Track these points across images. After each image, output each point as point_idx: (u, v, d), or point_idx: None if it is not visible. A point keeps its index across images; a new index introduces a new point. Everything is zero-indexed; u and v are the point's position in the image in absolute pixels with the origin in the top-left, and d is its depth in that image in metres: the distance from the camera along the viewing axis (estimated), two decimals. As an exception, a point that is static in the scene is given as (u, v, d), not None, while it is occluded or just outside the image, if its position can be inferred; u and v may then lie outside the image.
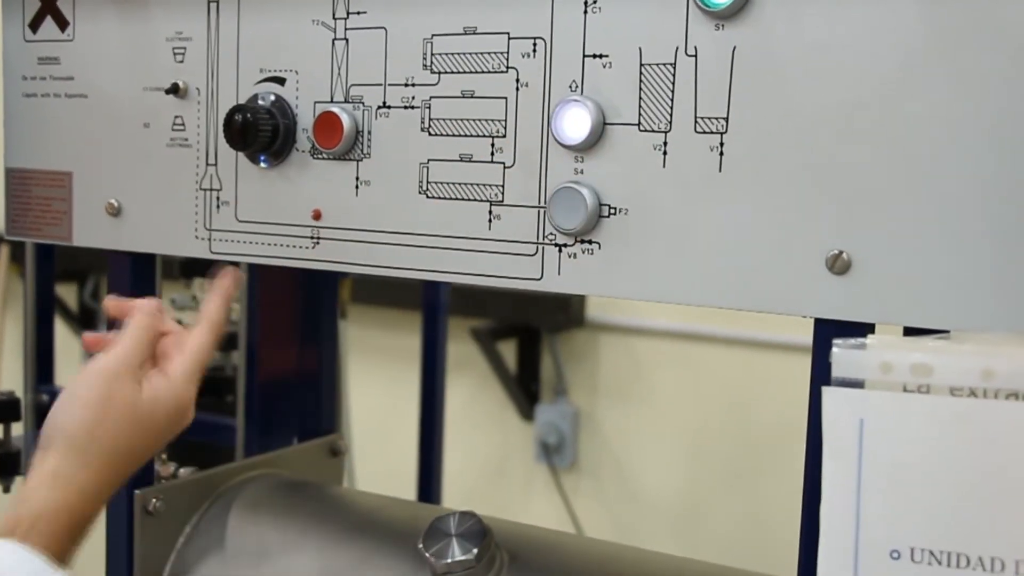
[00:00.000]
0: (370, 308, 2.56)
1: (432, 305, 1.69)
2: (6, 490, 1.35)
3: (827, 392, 0.61)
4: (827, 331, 0.67)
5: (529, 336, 2.60)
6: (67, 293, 3.31)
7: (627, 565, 0.92)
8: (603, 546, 0.95)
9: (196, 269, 1.66)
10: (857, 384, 0.61)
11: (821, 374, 0.65)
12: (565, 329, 2.57)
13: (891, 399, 0.60)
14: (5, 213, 1.04)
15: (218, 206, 0.91)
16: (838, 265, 0.67)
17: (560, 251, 0.77)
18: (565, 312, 2.50)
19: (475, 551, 0.88)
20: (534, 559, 0.92)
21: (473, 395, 2.69)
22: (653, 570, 0.91)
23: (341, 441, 1.21)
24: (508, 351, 2.62)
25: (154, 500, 1.00)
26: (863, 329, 0.66)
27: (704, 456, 2.49)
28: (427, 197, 0.81)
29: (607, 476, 2.60)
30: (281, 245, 0.88)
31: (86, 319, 3.34)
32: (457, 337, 2.31)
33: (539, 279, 0.77)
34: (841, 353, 0.61)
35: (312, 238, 0.87)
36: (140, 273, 0.99)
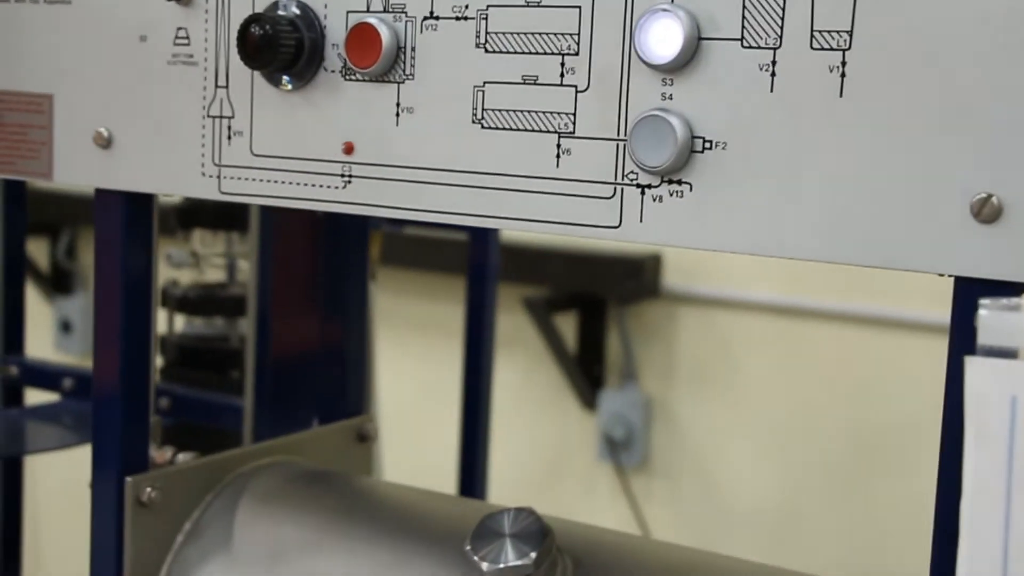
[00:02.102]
0: (404, 271, 2.57)
1: (479, 268, 1.69)
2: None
3: (972, 363, 0.61)
4: (971, 291, 0.67)
5: (592, 308, 2.60)
6: (37, 250, 3.33)
7: (705, 567, 0.92)
8: (684, 552, 0.96)
9: (194, 219, 1.67)
10: (1009, 353, 0.60)
11: (963, 343, 0.64)
12: (636, 300, 2.57)
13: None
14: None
15: (229, 137, 0.91)
16: (986, 211, 0.66)
17: (643, 193, 0.76)
18: (636, 279, 2.50)
19: (533, 555, 0.89)
20: (604, 566, 0.92)
21: (525, 377, 2.69)
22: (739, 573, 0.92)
23: (370, 424, 1.20)
24: (567, 326, 2.62)
25: (149, 490, 1.00)
26: (1015, 289, 0.65)
27: (804, 455, 2.48)
28: (482, 128, 0.81)
29: (684, 478, 2.61)
30: (305, 184, 0.88)
31: (59, 279, 3.37)
32: (507, 308, 2.32)
33: (617, 227, 0.77)
34: (990, 316, 0.61)
35: (343, 176, 0.87)
36: (134, 218, 1.00)
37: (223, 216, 1.59)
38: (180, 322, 1.68)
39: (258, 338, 1.42)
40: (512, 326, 2.52)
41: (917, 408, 2.32)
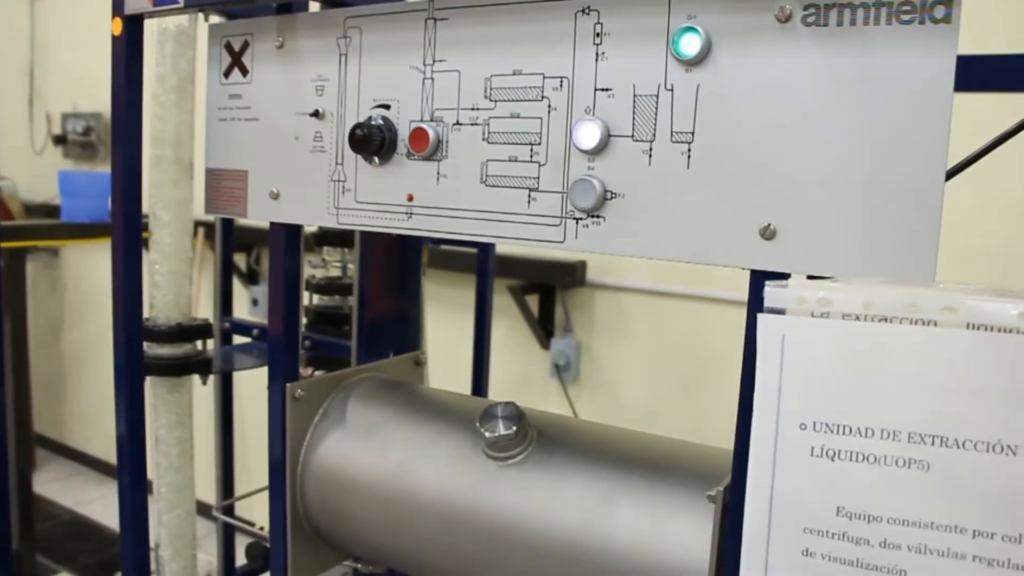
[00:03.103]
0: (440, 271, 2.57)
1: (483, 269, 1.69)
2: (204, 383, 1.36)
3: (761, 318, 0.61)
4: (759, 277, 0.67)
5: (547, 292, 2.60)
6: (239, 259, 3.34)
7: (617, 437, 0.92)
8: (602, 427, 0.95)
9: (324, 241, 1.66)
10: (780, 311, 0.60)
11: (755, 307, 0.64)
12: (572, 287, 2.57)
13: (803, 322, 0.59)
14: (205, 198, 1.04)
15: (343, 191, 0.91)
16: (767, 233, 0.66)
17: (577, 223, 0.76)
18: (572, 275, 2.50)
19: (514, 427, 0.88)
20: (555, 434, 0.91)
21: (508, 332, 2.69)
22: (634, 440, 0.91)
23: (422, 356, 1.20)
24: (533, 302, 2.62)
25: (299, 390, 1.00)
26: (783, 276, 0.65)
27: (664, 376, 2.48)
28: (486, 185, 0.81)
29: (599, 388, 2.61)
30: (385, 217, 0.88)
31: (251, 275, 3.37)
32: (499, 292, 2.32)
33: (562, 242, 0.77)
34: (770, 290, 0.61)
35: (407, 213, 0.86)
36: (291, 239, 0.99)
37: (340, 239, 1.58)
38: (315, 299, 1.67)
39: (359, 308, 1.41)
40: (501, 303, 2.53)
41: (726, 349, 2.33)
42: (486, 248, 1.68)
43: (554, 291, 2.58)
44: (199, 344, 1.34)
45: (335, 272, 1.63)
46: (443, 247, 1.80)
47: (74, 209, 3.42)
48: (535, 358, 2.67)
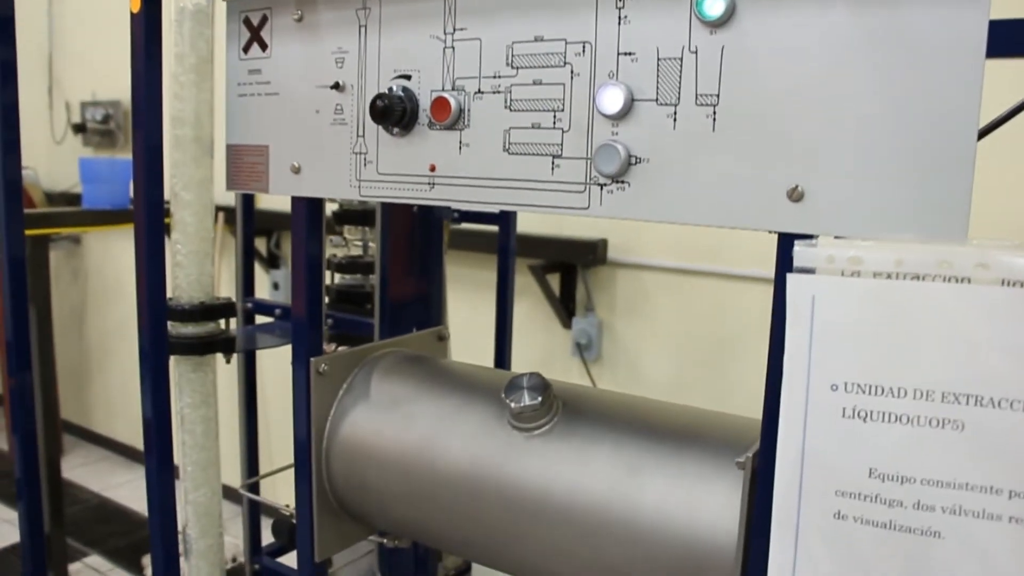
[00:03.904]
0: (460, 252, 2.56)
1: (504, 248, 1.69)
2: (227, 361, 1.36)
3: (790, 278, 0.60)
4: (787, 241, 0.66)
5: (568, 270, 2.59)
6: (260, 244, 3.35)
7: (643, 406, 0.92)
8: (628, 396, 0.95)
9: (344, 220, 1.66)
10: (811, 271, 0.59)
11: (784, 271, 0.63)
12: (593, 265, 2.56)
13: (834, 281, 0.58)
14: (226, 175, 1.04)
15: (365, 164, 0.90)
16: (795, 195, 0.65)
17: (602, 189, 0.75)
18: (593, 254, 2.49)
19: (540, 398, 0.88)
20: (581, 404, 0.91)
21: (529, 311, 2.68)
22: (661, 410, 0.90)
23: (445, 331, 1.19)
24: (554, 281, 2.61)
25: (323, 365, 1.00)
26: (811, 238, 0.64)
27: (686, 352, 2.47)
28: (509, 154, 0.80)
29: (621, 366, 2.60)
30: (407, 188, 0.87)
31: (272, 260, 3.38)
32: (520, 271, 2.30)
33: (586, 208, 0.76)
34: (799, 250, 0.60)
35: (429, 183, 0.86)
36: (312, 212, 0.99)
37: (360, 218, 1.58)
38: (337, 278, 1.66)
39: (381, 286, 1.41)
40: (522, 282, 2.51)
41: (747, 325, 2.32)
42: (507, 226, 1.68)
43: (575, 270, 2.57)
44: (222, 323, 1.34)
45: (356, 251, 1.63)
46: (463, 226, 1.79)
47: (95, 196, 3.44)
48: (556, 337, 2.67)
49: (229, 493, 1.74)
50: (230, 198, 1.64)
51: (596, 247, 2.48)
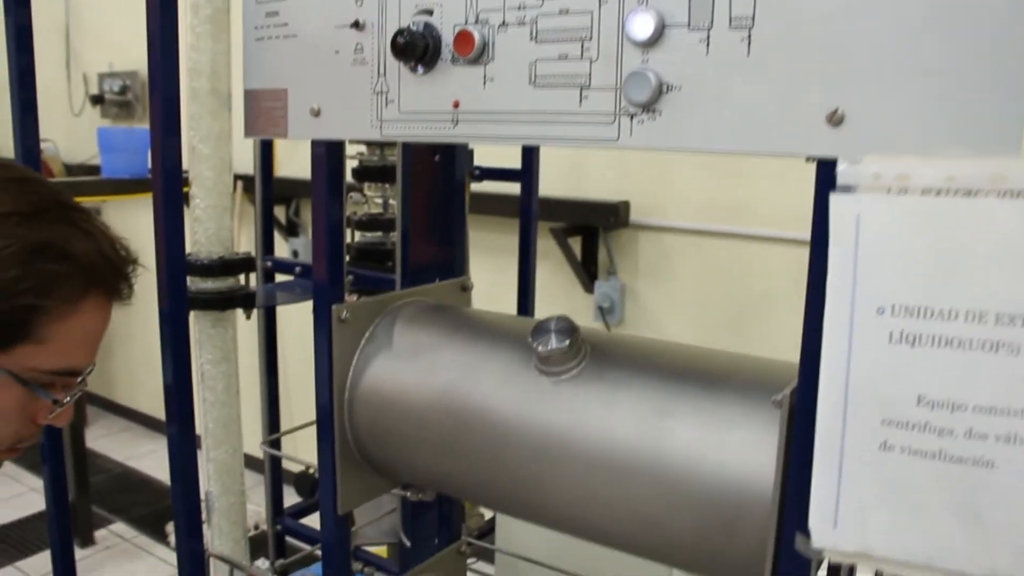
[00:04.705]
0: (481, 216, 2.53)
1: (527, 211, 1.67)
2: (247, 316, 1.35)
3: (833, 197, 0.57)
4: (826, 169, 0.63)
5: (590, 233, 2.56)
6: (279, 213, 3.35)
7: (673, 350, 0.89)
8: (657, 341, 0.92)
9: (364, 176, 1.64)
10: (855, 189, 0.57)
11: (823, 199, 0.60)
12: (615, 228, 2.53)
13: (880, 199, 0.56)
14: (245, 122, 1.02)
15: (386, 103, 0.88)
16: (835, 118, 0.62)
17: (632, 119, 0.72)
18: (615, 216, 2.46)
19: (568, 341, 0.86)
20: (609, 349, 0.89)
21: (551, 275, 2.66)
22: (691, 353, 0.88)
23: (469, 281, 1.17)
24: (575, 244, 2.59)
25: (344, 312, 0.98)
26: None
27: (709, 315, 2.45)
28: (535, 87, 0.77)
29: (644, 330, 2.58)
30: (430, 126, 0.85)
31: (291, 228, 3.37)
32: (542, 235, 2.28)
33: (616, 139, 0.73)
34: (844, 167, 0.57)
35: (453, 120, 0.83)
36: (332, 156, 0.97)
37: (381, 174, 1.56)
38: (358, 236, 1.65)
39: (402, 242, 1.39)
40: (543, 246, 2.49)
41: (771, 288, 2.28)
42: (529, 183, 1.66)
43: (596, 232, 2.54)
44: (242, 279, 1.33)
45: (376, 209, 1.61)
46: (483, 190, 1.76)
47: (114, 165, 3.44)
48: (579, 301, 2.64)
49: (251, 462, 1.73)
50: (249, 167, 1.62)
51: (618, 209, 2.45)
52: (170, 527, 3.29)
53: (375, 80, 0.88)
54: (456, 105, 0.83)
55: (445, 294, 1.14)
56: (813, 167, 0.64)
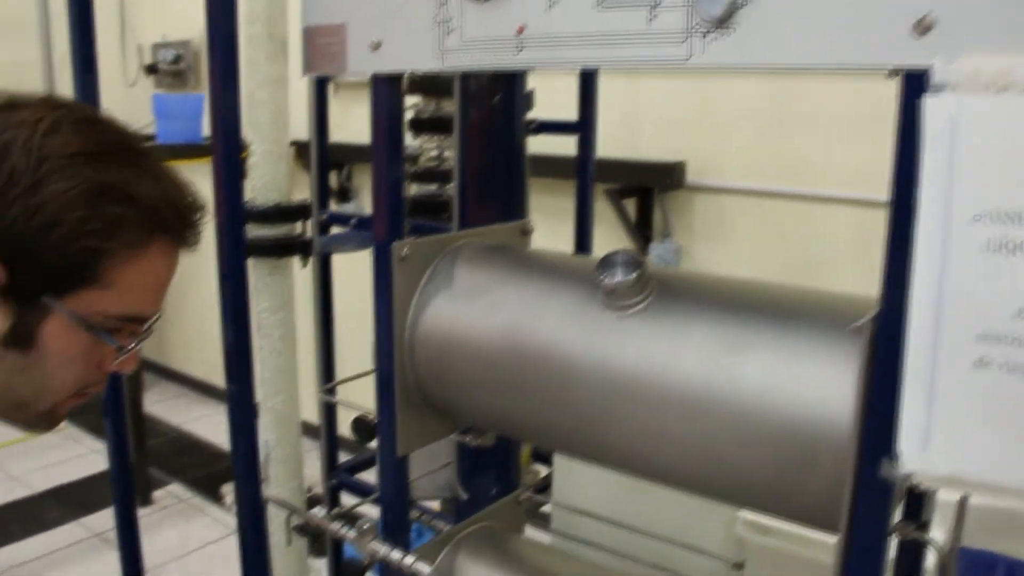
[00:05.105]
0: (535, 179, 2.51)
1: (583, 172, 1.65)
2: (304, 264, 1.34)
3: (929, 98, 0.54)
4: (912, 81, 0.59)
5: (645, 195, 2.52)
6: (333, 177, 3.36)
7: (743, 285, 0.87)
8: (726, 277, 0.89)
9: (420, 128, 1.62)
10: (951, 89, 0.53)
11: (909, 111, 0.57)
12: (671, 189, 2.49)
13: (979, 98, 0.52)
14: (303, 60, 1.00)
15: (448, 32, 0.86)
16: (923, 25, 0.59)
17: (704, 37, 0.70)
18: (671, 176, 2.42)
19: (634, 274, 0.83)
20: (677, 284, 0.86)
21: (605, 237, 2.62)
22: (762, 288, 0.85)
23: (530, 224, 1.15)
24: (631, 206, 2.55)
25: (405, 249, 0.97)
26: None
27: (769, 278, 2.40)
28: (601, 8, 0.75)
29: (699, 292, 2.54)
30: (494, 54, 0.83)
31: (343, 193, 3.38)
32: (596, 196, 2.26)
33: (687, 59, 0.71)
34: (941, 67, 0.54)
35: (516, 47, 0.81)
36: (392, 91, 0.95)
37: (438, 125, 1.54)
38: (414, 188, 1.64)
39: (460, 191, 1.37)
40: (598, 207, 2.45)
41: (831, 250, 2.23)
42: (586, 140, 1.63)
43: (652, 194, 2.50)
44: (298, 228, 1.32)
45: (432, 162, 1.59)
46: (537, 151, 1.73)
47: (169, 131, 3.47)
48: (632, 265, 2.61)
49: (308, 430, 1.73)
50: (301, 134, 1.60)
51: (674, 170, 2.41)
52: (225, 488, 3.34)
53: (436, 9, 0.86)
54: (520, 31, 0.80)
55: (505, 236, 1.12)
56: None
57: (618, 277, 0.83)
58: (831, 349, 0.73)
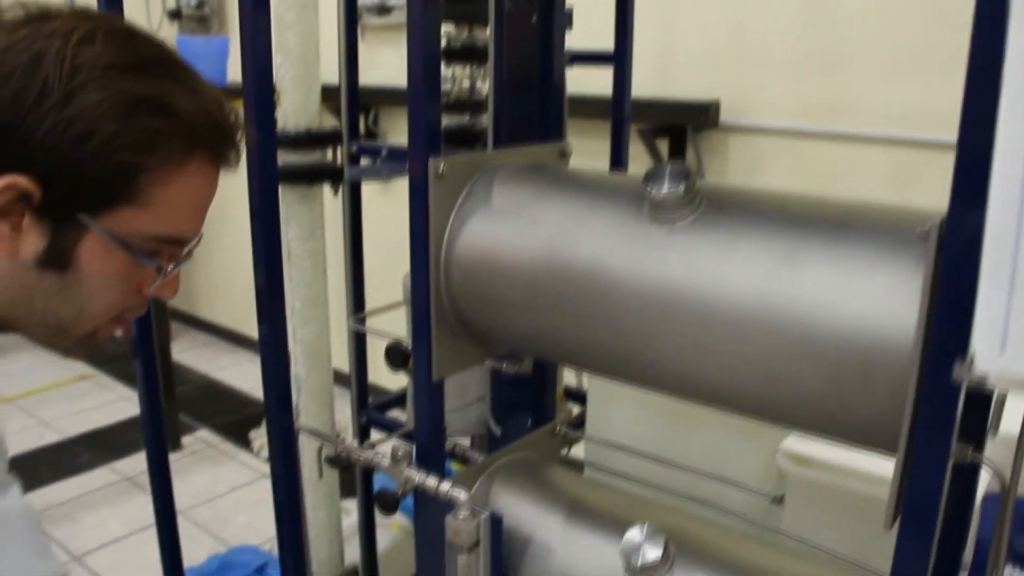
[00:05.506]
0: (579, 119, 2.47)
1: (619, 113, 1.62)
2: (335, 193, 1.31)
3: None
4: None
5: (679, 134, 2.47)
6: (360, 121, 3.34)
7: (796, 197, 0.83)
8: (777, 191, 0.86)
9: (451, 57, 1.57)
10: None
11: None
12: (705, 129, 2.43)
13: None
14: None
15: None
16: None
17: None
18: (705, 116, 2.37)
19: (683, 185, 0.80)
20: (727, 197, 0.83)
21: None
22: (816, 200, 0.82)
23: (568, 146, 1.11)
24: (663, 146, 2.50)
25: (442, 165, 0.93)
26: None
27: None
28: None
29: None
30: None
31: (369, 135, 3.36)
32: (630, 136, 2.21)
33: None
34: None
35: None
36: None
37: (470, 54, 1.50)
38: (444, 120, 1.60)
39: (494, 126, 1.33)
40: (632, 147, 2.41)
41: (870, 190, 2.18)
42: (622, 72, 1.58)
43: (685, 133, 2.45)
44: (328, 155, 1.29)
45: (464, 93, 1.55)
46: (583, 93, 1.69)
47: (194, 75, 3.43)
48: (664, 208, 2.57)
49: (339, 378, 1.71)
50: (327, 77, 1.56)
51: (708, 109, 2.36)
52: (253, 434, 3.35)
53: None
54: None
55: (543, 157, 1.08)
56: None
57: (666, 188, 0.80)
58: (892, 258, 0.69)
